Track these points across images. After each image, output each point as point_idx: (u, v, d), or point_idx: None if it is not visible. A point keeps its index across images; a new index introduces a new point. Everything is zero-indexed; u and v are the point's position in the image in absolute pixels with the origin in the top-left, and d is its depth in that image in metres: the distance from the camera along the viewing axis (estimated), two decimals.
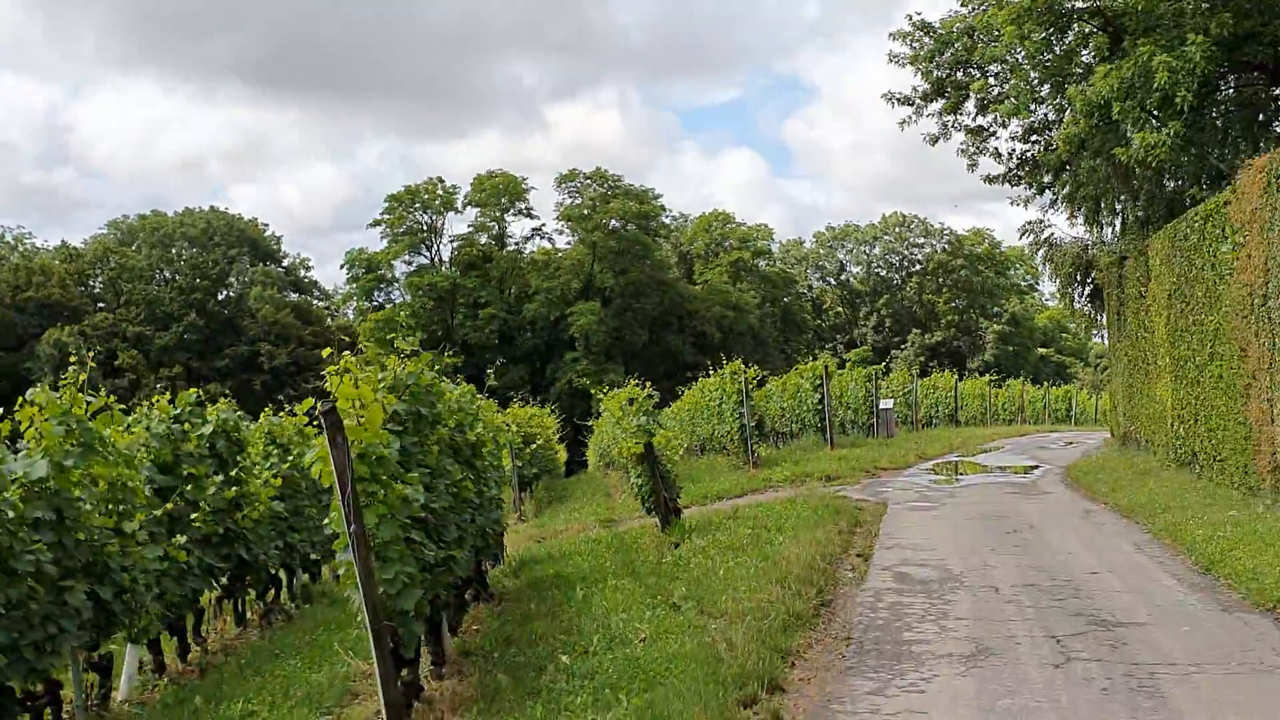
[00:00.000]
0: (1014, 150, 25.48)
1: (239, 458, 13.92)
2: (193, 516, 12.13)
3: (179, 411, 12.89)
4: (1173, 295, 18.88)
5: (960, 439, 37.02)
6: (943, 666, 8.70)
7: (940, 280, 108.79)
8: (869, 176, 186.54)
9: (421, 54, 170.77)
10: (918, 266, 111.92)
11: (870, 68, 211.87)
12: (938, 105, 25.12)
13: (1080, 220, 27.31)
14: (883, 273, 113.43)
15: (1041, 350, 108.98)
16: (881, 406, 35.64)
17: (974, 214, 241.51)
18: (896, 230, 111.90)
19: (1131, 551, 13.50)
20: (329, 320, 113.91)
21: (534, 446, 28.77)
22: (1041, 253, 27.86)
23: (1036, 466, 27.34)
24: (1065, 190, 25.97)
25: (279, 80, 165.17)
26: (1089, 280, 27.43)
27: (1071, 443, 36.44)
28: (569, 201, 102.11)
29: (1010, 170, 25.60)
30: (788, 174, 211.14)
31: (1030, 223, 28.24)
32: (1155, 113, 19.32)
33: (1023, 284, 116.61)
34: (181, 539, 11.71)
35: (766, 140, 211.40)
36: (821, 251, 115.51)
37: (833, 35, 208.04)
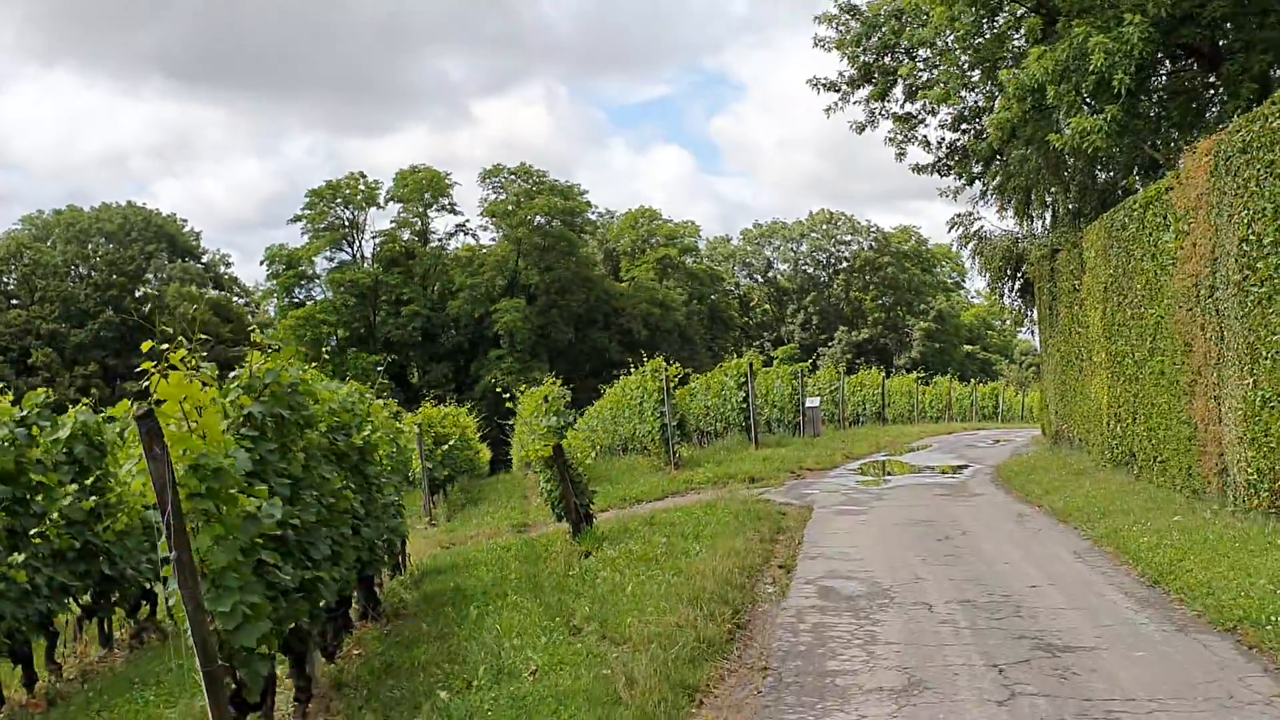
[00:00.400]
0: (943, 139, 24.65)
1: (102, 463, 12.56)
2: (35, 531, 10.78)
3: (24, 414, 11.48)
4: (1109, 288, 18.03)
5: (888, 437, 36.24)
6: (871, 705, 7.58)
7: (867, 278, 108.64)
8: (797, 173, 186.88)
9: (349, 49, 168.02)
10: (845, 264, 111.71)
11: (798, 65, 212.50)
12: (865, 92, 24.19)
13: (1010, 212, 26.54)
14: (810, 270, 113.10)
15: (967, 347, 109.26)
16: (808, 405, 34.74)
17: (902, 212, 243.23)
18: (824, 227, 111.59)
19: (1072, 560, 12.53)
20: (249, 317, 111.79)
21: (446, 447, 27.43)
22: (971, 246, 27.06)
23: (966, 466, 26.53)
24: (995, 181, 25.16)
25: (204, 75, 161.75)
26: (1019, 274, 26.65)
27: (1000, 441, 35.79)
28: (493, 197, 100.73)
29: (939, 160, 24.73)
30: (716, 171, 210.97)
31: (959, 216, 27.45)
32: (1090, 100, 18.46)
33: (949, 281, 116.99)
34: (20, 556, 10.38)
35: (695, 137, 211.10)
36: (749, 249, 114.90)
37: (761, 32, 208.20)
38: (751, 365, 30.81)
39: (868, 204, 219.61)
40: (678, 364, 27.88)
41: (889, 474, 24.98)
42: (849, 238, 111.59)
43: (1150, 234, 15.67)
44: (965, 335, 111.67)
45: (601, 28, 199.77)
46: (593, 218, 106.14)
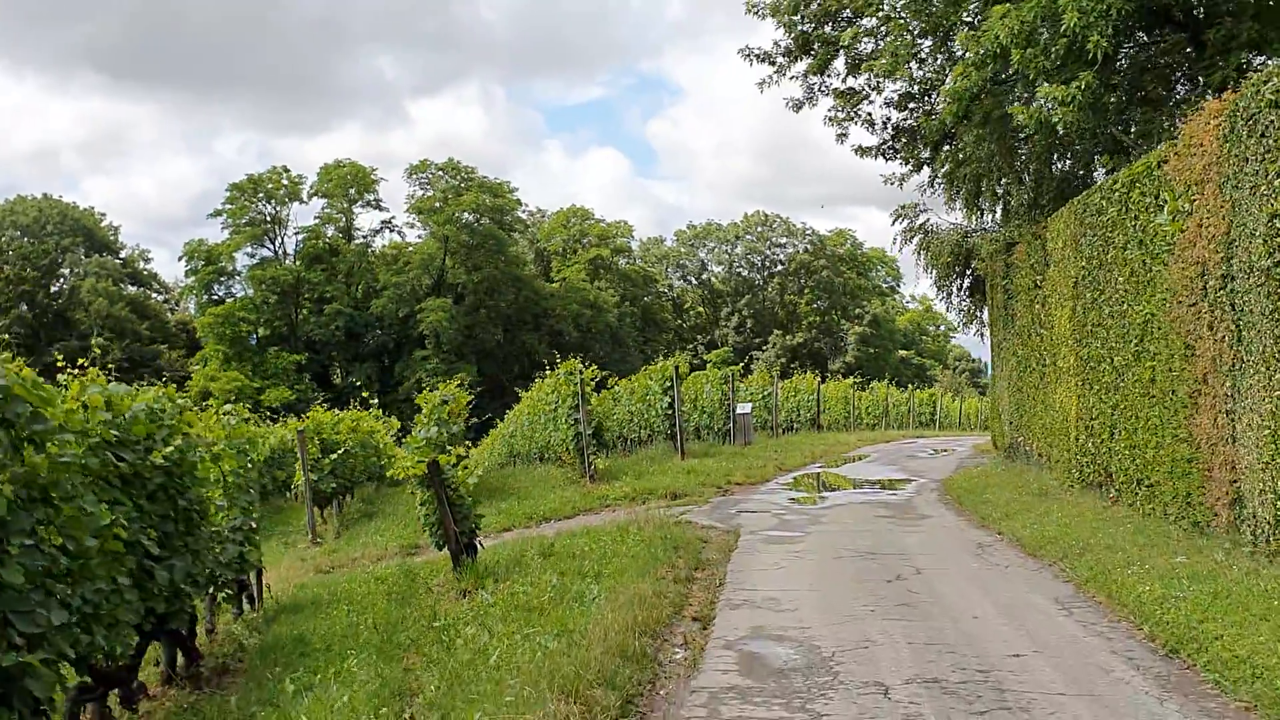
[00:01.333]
0: (889, 119, 22.17)
1: None
2: None
3: None
4: (1081, 282, 15.62)
5: (823, 446, 33.81)
6: None
7: (802, 281, 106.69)
8: (733, 178, 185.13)
9: (282, 46, 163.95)
10: (780, 267, 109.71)
11: (735, 69, 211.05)
12: (803, 65, 21.64)
13: (959, 204, 24.16)
14: (744, 272, 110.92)
15: (902, 352, 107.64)
16: (738, 411, 32.22)
17: (838, 217, 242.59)
18: (759, 230, 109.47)
19: (1056, 613, 9.99)
20: (169, 315, 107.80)
21: (335, 456, 24.51)
22: (917, 241, 24.62)
23: (909, 480, 24.12)
24: (945, 169, 22.76)
25: (135, 71, 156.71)
26: (969, 271, 24.27)
27: (941, 451, 33.50)
28: (420, 193, 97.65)
29: (885, 142, 22.25)
30: (652, 174, 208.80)
31: (904, 208, 25.02)
32: (1060, 65, 16.02)
33: (884, 286, 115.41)
34: None
35: (631, 140, 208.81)
36: (683, 250, 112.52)
37: (698, 37, 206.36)
38: (677, 369, 28.23)
39: (804, 209, 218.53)
40: (594, 366, 25.19)
41: (826, 490, 22.47)
42: (784, 240, 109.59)
43: (1136, 217, 13.24)
44: (900, 340, 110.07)
45: (538, 28, 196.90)
46: (523, 216, 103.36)
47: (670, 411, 28.76)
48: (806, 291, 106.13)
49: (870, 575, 12.23)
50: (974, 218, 24.51)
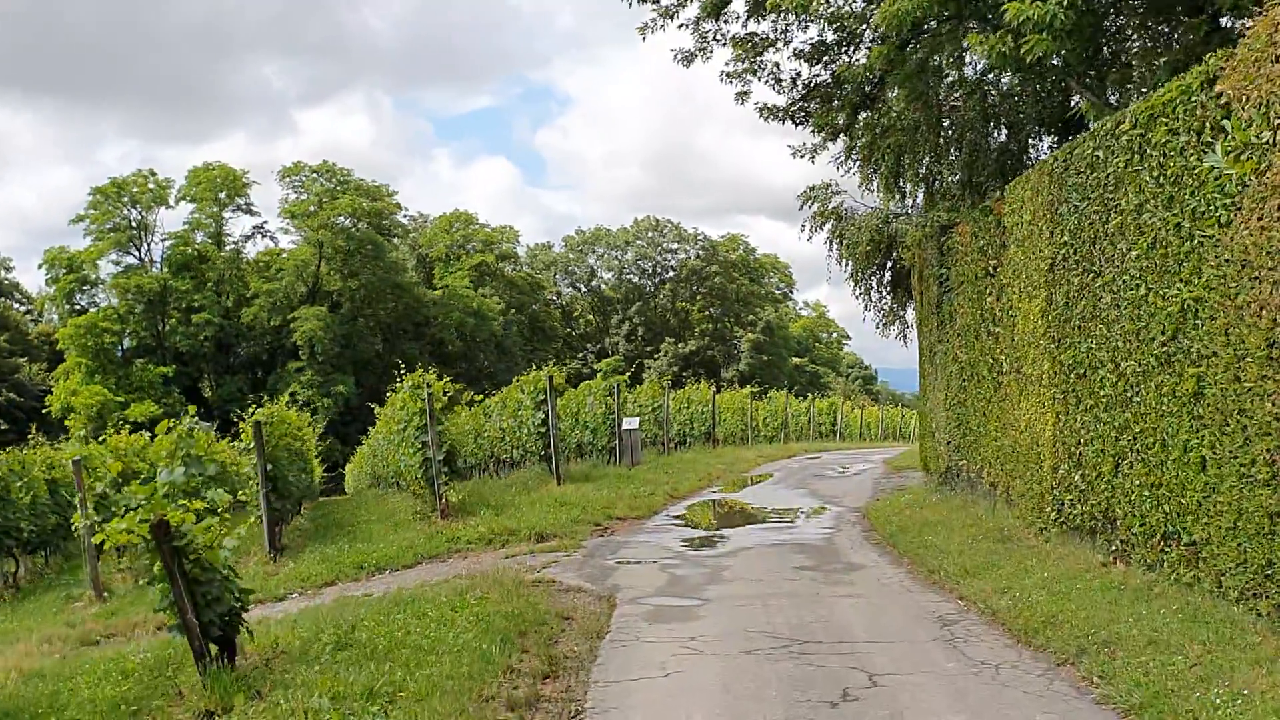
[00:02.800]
0: (799, 74, 18.20)
1: None
2: None
3: None
4: (1061, 264, 11.73)
5: (720, 465, 29.79)
6: None
7: (694, 287, 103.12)
8: (623, 187, 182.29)
9: (166, 53, 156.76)
10: (671, 273, 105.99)
11: (624, 78, 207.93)
12: (695, 8, 17.59)
13: (877, 184, 20.34)
14: (635, 279, 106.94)
15: (796, 360, 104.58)
16: (625, 427, 28.07)
17: (730, 226, 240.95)
18: (649, 235, 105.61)
19: None
20: (30, 326, 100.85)
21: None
22: (829, 227, 20.68)
23: (824, 508, 20.21)
24: (864, 139, 18.89)
25: (11, 77, 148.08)
26: (892, 262, 20.40)
27: (850, 469, 29.73)
28: (294, 197, 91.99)
29: (795, 103, 18.27)
30: (542, 184, 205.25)
31: (814, 189, 21.08)
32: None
33: (777, 292, 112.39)
34: None
35: (520, 149, 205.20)
36: (571, 256, 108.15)
37: (587, 47, 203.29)
38: (551, 379, 23.94)
39: (695, 218, 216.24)
40: (446, 379, 20.84)
41: (727, 526, 18.39)
42: (675, 246, 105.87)
43: (1161, 164, 9.36)
44: (794, 348, 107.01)
45: (426, 37, 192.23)
46: (404, 221, 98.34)
47: (544, 429, 24.50)
48: (699, 298, 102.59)
49: (804, 689, 8.12)
50: (894, 200, 20.72)
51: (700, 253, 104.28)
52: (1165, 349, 9.39)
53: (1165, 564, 9.63)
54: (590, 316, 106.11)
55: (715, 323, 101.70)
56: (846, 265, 20.71)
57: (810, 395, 52.60)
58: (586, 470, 26.70)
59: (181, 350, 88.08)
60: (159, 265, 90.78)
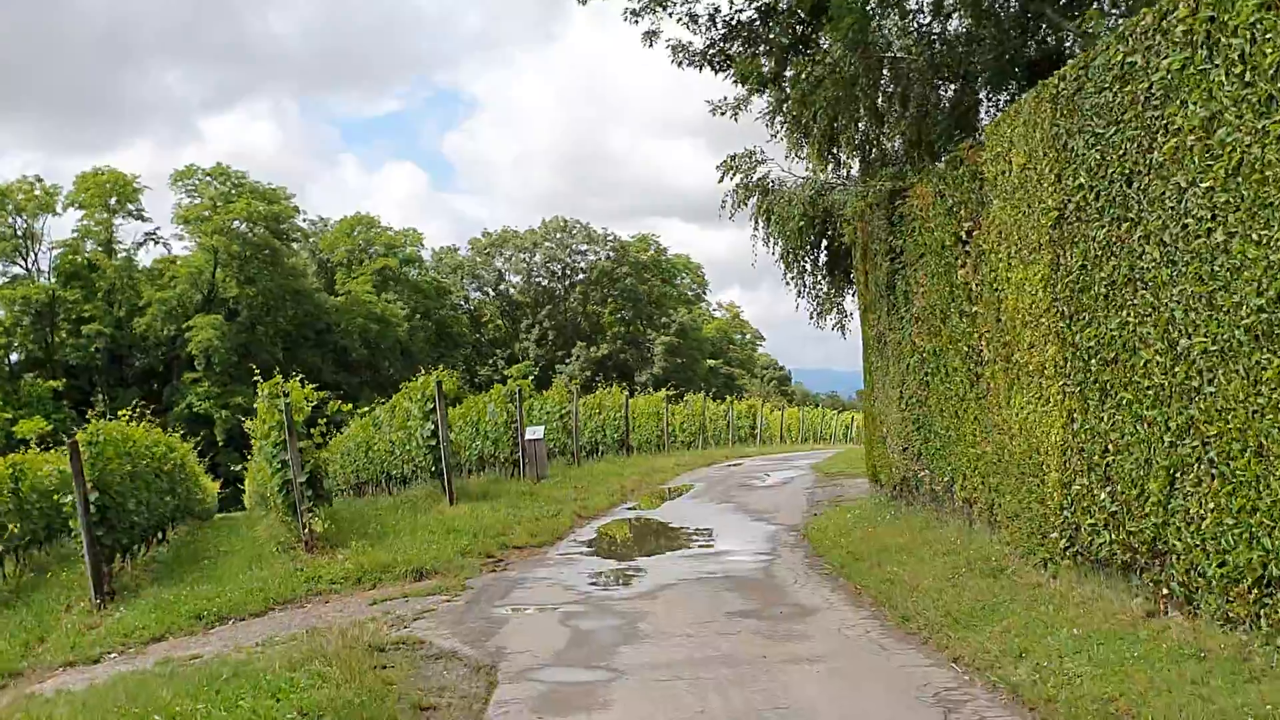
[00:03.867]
0: (718, 9, 15.24)
1: None
2: None
3: None
4: (1075, 215, 8.86)
5: (635, 476, 26.74)
6: None
7: (605, 290, 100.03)
8: (533, 190, 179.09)
9: (65, 61, 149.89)
10: (581, 275, 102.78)
11: (532, 80, 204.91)
12: None
13: (807, 151, 17.51)
14: (544, 282, 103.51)
15: (710, 361, 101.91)
16: (528, 437, 24.90)
17: (641, 229, 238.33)
18: (558, 236, 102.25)
19: None
20: None
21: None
22: (754, 201, 17.77)
23: (757, 524, 17.32)
24: (794, 94, 15.99)
25: None
26: (828, 239, 17.53)
27: (779, 478, 26.91)
28: (187, 201, 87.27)
29: (714, 43, 15.32)
30: (450, 188, 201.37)
31: (735, 157, 18.16)
32: None
33: (690, 293, 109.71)
34: None
35: (428, 153, 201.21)
36: (478, 260, 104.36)
37: (494, 48, 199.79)
38: (440, 385, 20.73)
39: (607, 221, 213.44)
40: (309, 386, 17.58)
41: (643, 553, 15.35)
42: (585, 247, 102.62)
43: (1249, 55, 6.52)
44: (709, 349, 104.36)
45: (331, 41, 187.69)
46: (303, 225, 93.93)
47: (435, 442, 21.29)
48: (610, 301, 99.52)
49: None
50: (827, 170, 17.89)
51: (611, 254, 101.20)
52: (1263, 316, 6.52)
53: (1264, 621, 6.74)
54: (499, 321, 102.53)
55: (628, 325, 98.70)
56: (775, 246, 17.82)
57: (729, 397, 49.76)
58: (485, 486, 23.52)
59: (72, 363, 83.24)
60: (47, 275, 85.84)
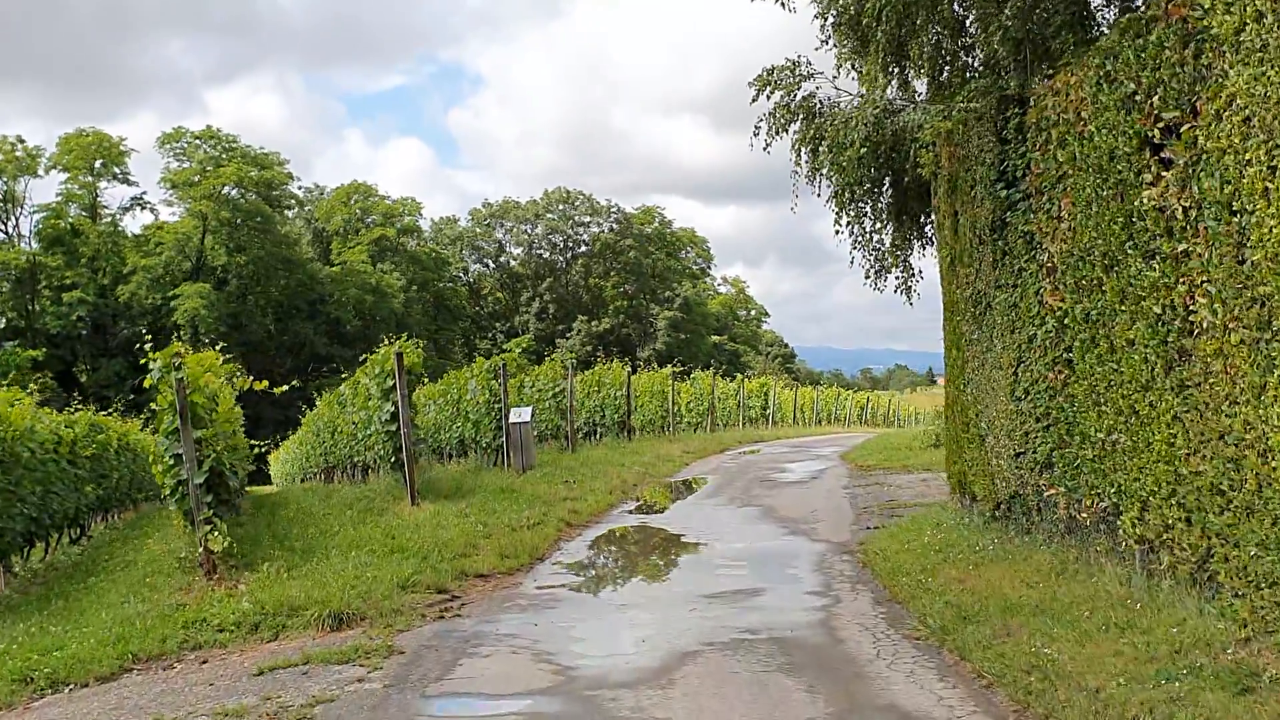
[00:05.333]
0: None
1: None
2: None
3: None
4: None
5: (637, 466, 22.48)
6: None
7: (608, 263, 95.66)
8: (536, 167, 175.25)
9: (68, 31, 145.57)
10: (584, 248, 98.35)
11: (537, 57, 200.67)
12: None
13: (865, 65, 13.23)
14: (546, 254, 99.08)
15: (714, 338, 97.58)
16: (512, 420, 20.70)
17: (646, 204, 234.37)
18: (560, 208, 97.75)
19: None
20: None
21: None
22: (798, 127, 13.51)
23: (794, 545, 13.13)
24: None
25: None
26: (895, 173, 13.23)
27: (801, 469, 22.77)
28: (176, 166, 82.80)
29: None
30: (455, 164, 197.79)
31: (773, 70, 13.87)
32: None
33: (695, 267, 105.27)
34: None
35: (433, 129, 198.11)
36: (478, 231, 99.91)
37: (499, 25, 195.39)
38: (401, 358, 16.48)
39: (609, 196, 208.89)
40: (217, 352, 13.41)
41: (650, 589, 11.20)
42: (588, 219, 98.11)
43: None
44: (713, 325, 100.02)
45: (337, 15, 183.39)
46: (297, 192, 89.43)
47: (394, 427, 17.10)
48: (612, 274, 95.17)
49: None
50: (889, 87, 13.62)
51: (614, 226, 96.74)
52: None
53: None
54: (499, 294, 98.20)
55: (630, 300, 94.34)
56: (824, 182, 13.52)
57: (738, 375, 45.44)
58: (460, 478, 19.35)
59: (53, 332, 78.93)
60: (28, 240, 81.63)
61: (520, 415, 20.78)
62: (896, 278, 13.98)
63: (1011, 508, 10.52)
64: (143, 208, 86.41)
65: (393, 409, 17.10)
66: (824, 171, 13.28)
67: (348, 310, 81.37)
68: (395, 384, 16.66)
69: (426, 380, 19.67)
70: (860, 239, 13.67)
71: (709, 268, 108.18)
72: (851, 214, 13.30)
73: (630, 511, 16.81)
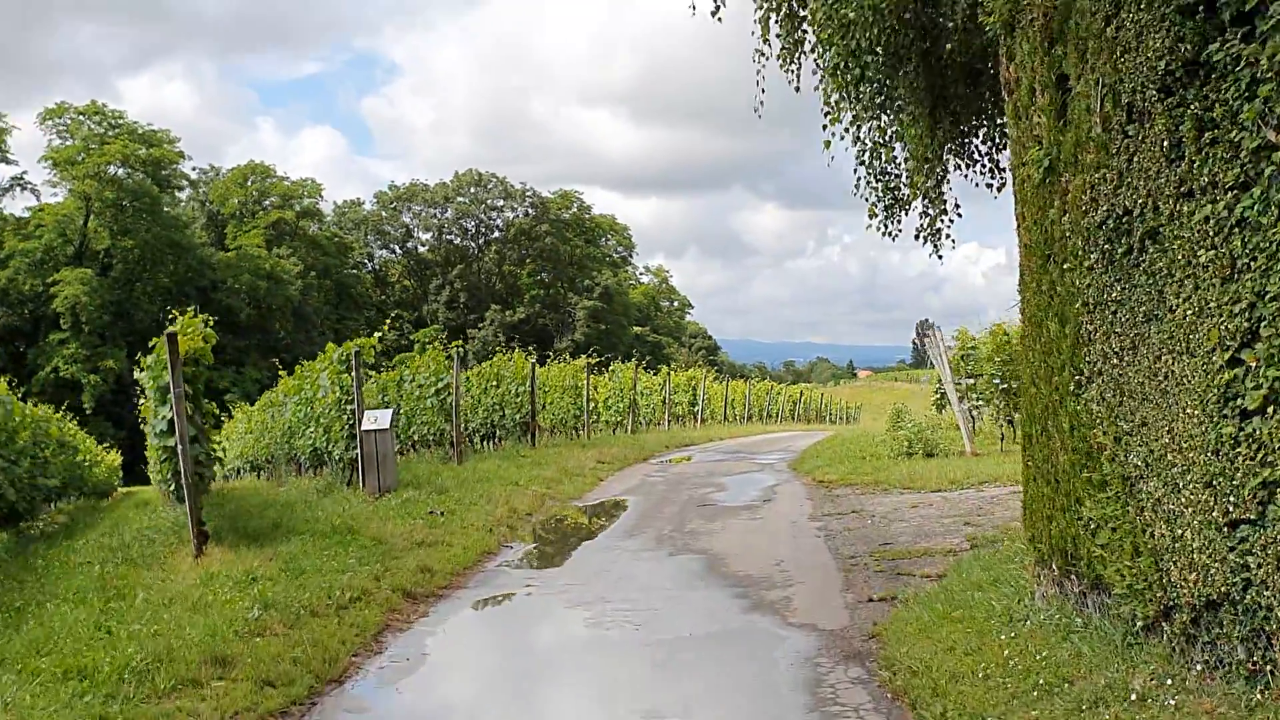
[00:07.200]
0: None
1: None
2: None
3: None
4: None
5: (536, 486, 17.20)
6: None
7: (523, 249, 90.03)
8: (453, 156, 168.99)
9: None
10: (497, 233, 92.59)
11: (453, 45, 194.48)
12: None
13: None
14: (456, 240, 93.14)
15: (636, 329, 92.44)
16: (366, 427, 15.35)
17: None
18: (472, 191, 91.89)
19: None
20: None
21: None
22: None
23: (771, 668, 8.01)
24: None
25: None
26: (930, 41, 8.16)
27: (752, 489, 17.76)
28: (58, 143, 75.87)
29: None
30: (369, 153, 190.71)
31: None
32: None
33: (615, 255, 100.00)
34: None
35: (347, 118, 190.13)
36: (384, 214, 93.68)
37: (416, 13, 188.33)
38: (173, 339, 11.11)
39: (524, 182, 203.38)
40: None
41: None
42: (501, 203, 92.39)
43: None
44: (635, 316, 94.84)
45: (250, 2, 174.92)
46: (190, 173, 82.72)
47: (172, 442, 11.71)
48: (528, 261, 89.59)
49: None
50: None
51: (529, 211, 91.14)
52: None
53: None
54: (406, 281, 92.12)
55: (547, 288, 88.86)
56: (808, 63, 8.32)
57: (663, 367, 40.29)
58: (286, 508, 14.02)
59: None
60: None
61: (376, 421, 15.43)
62: (919, 211, 8.88)
63: (1202, 621, 5.40)
64: (23, 188, 79.37)
65: (170, 415, 11.70)
66: (811, 43, 8.19)
67: (241, 298, 75.05)
68: (170, 380, 11.24)
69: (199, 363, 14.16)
70: (865, 155, 8.57)
71: (630, 256, 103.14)
72: (858, 102, 8.20)
73: (511, 564, 11.55)
